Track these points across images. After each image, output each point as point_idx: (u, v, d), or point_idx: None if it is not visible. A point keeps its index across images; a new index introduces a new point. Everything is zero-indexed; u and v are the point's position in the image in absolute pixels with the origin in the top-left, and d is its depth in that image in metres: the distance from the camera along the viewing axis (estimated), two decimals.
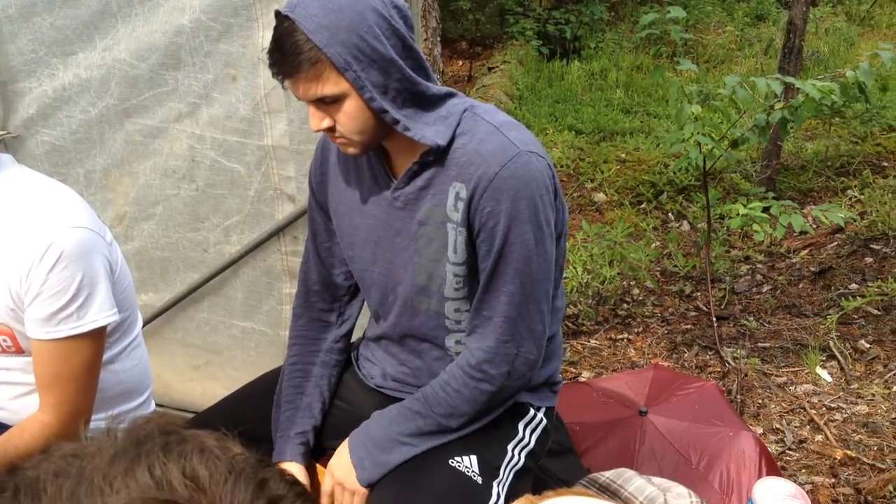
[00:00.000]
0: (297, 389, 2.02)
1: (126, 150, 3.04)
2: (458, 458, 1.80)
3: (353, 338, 2.15)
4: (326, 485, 1.89)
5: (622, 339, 4.29)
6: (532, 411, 1.96)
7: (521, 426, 1.94)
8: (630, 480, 2.34)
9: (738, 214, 3.96)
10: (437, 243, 1.78)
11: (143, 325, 3.27)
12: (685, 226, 5.44)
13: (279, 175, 2.94)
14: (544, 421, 1.98)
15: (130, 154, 3.04)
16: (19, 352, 1.86)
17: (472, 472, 1.79)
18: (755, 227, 3.97)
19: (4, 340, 1.85)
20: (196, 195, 3.03)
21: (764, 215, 3.97)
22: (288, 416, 2.00)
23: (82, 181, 3.15)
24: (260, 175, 2.94)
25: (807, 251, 4.91)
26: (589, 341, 4.26)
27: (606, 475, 2.41)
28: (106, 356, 1.93)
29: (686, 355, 4.10)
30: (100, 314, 1.82)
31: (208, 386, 3.33)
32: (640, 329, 4.36)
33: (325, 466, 1.96)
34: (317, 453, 2.07)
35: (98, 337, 1.84)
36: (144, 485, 0.53)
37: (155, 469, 0.54)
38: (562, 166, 6.32)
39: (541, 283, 1.77)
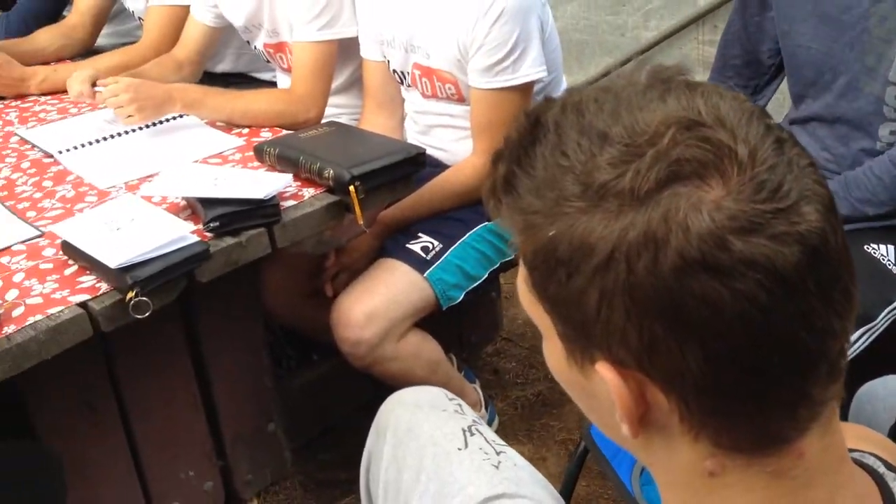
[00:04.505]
0: None
1: None
2: (874, 245, 1.75)
3: None
4: None
5: None
6: None
7: None
8: None
9: None
10: (890, 22, 1.67)
11: None
12: None
13: None
14: None
15: None
16: (460, 100, 2.06)
17: (888, 260, 1.73)
18: None
19: (449, 88, 2.05)
20: None
21: None
22: None
23: None
24: None
25: None
26: None
27: None
28: None
29: None
30: (531, 69, 1.95)
31: None
32: None
33: None
34: None
35: (527, 91, 1.98)
36: (675, 107, 0.62)
37: (681, 99, 0.62)
38: None
39: None
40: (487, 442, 1.19)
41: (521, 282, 0.67)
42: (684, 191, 0.57)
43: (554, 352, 0.67)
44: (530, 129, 0.65)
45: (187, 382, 1.76)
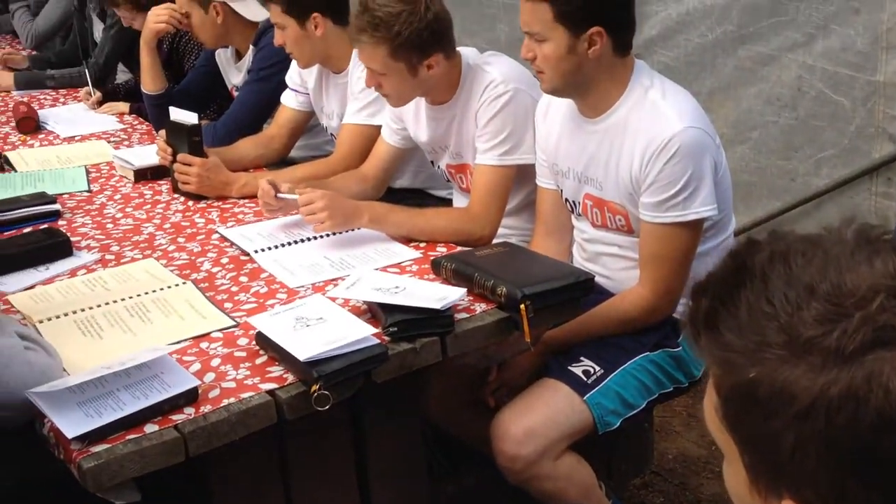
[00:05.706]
0: None
1: (734, 76, 3.19)
2: None
3: None
4: None
5: None
6: None
7: None
8: None
9: None
10: None
11: None
12: None
13: (885, 113, 2.87)
14: None
15: (738, 79, 3.19)
16: (629, 231, 2.12)
17: None
18: None
19: (619, 220, 2.12)
20: (794, 124, 3.09)
21: None
22: None
23: None
24: (864, 111, 2.90)
25: None
26: None
27: None
28: (700, 249, 2.12)
29: None
30: (702, 207, 2.01)
31: None
32: None
33: None
34: None
35: (696, 227, 2.04)
36: (882, 271, 0.67)
37: (888, 264, 0.68)
38: None
39: None
40: None
41: (711, 408, 0.72)
42: (888, 356, 0.62)
43: (736, 477, 0.72)
44: (735, 270, 0.71)
45: (348, 479, 1.83)
